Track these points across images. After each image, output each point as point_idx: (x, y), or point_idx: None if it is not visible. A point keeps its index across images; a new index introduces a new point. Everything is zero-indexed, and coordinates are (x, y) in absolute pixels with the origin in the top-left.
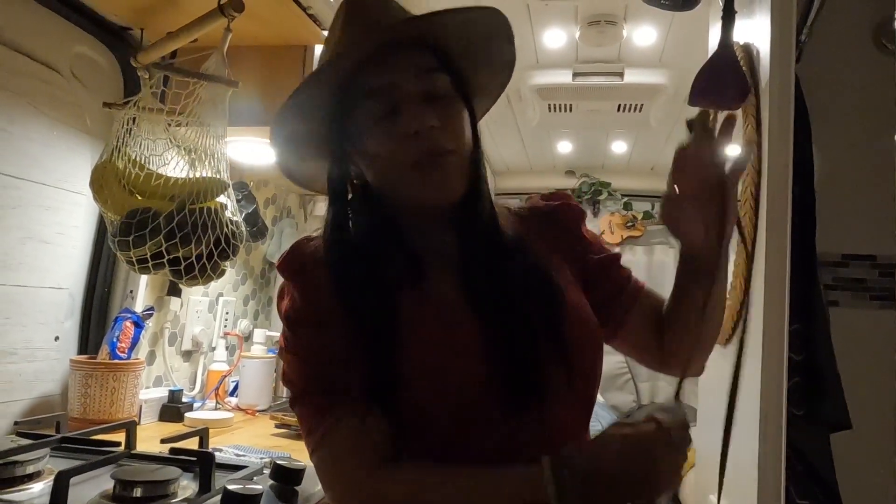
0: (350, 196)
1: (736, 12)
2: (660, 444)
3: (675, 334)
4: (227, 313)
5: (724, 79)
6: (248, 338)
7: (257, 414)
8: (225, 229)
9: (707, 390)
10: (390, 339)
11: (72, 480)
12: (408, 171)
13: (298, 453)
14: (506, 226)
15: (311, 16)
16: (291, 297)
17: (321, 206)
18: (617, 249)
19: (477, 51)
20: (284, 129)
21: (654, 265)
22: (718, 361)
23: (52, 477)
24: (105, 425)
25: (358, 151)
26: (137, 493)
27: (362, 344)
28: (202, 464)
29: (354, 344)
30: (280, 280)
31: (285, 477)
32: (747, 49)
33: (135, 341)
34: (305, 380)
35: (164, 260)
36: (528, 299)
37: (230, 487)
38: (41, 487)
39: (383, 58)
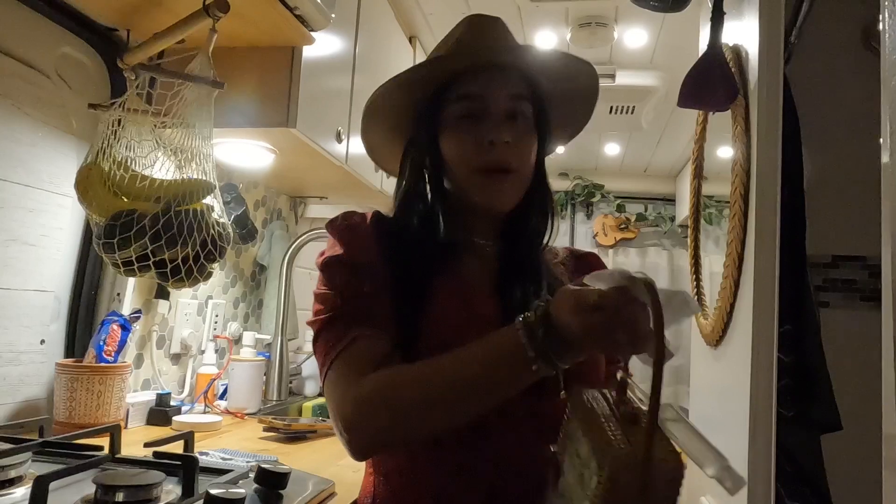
0: (421, 179)
1: (725, 14)
2: (602, 309)
3: None
4: (216, 316)
5: (713, 81)
6: (237, 341)
7: (246, 417)
8: (211, 231)
9: (698, 392)
10: (420, 304)
11: (53, 485)
12: (473, 173)
13: (285, 457)
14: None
15: (298, 17)
16: (332, 247)
17: (312, 209)
18: None
19: (564, 101)
20: (383, 103)
21: (646, 267)
22: (709, 363)
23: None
24: (89, 429)
25: (439, 141)
26: (119, 497)
27: (394, 303)
28: (185, 468)
29: (386, 300)
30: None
31: (270, 481)
32: (736, 50)
33: (122, 344)
34: (333, 307)
35: (150, 262)
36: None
37: (212, 492)
38: (23, 492)
39: (486, 72)
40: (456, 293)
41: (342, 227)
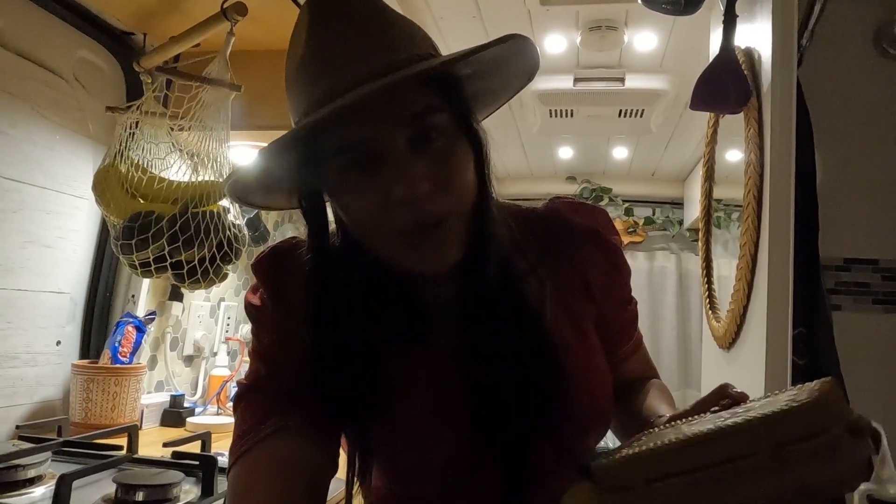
0: (334, 233)
1: (737, 16)
2: None
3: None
4: (228, 318)
5: (726, 83)
6: (249, 343)
7: None
8: (227, 233)
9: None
10: (368, 405)
11: (74, 484)
12: (395, 238)
13: None
14: (514, 243)
15: None
16: (255, 290)
17: None
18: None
19: (491, 75)
20: (243, 182)
21: (654, 270)
22: (722, 365)
23: (54, 481)
24: (107, 429)
25: (334, 205)
26: (139, 496)
27: (336, 406)
28: (205, 467)
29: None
30: None
31: None
32: (749, 53)
33: (136, 346)
34: (256, 375)
35: (167, 263)
36: (534, 374)
37: None
38: (43, 491)
39: (363, 107)
40: (415, 384)
41: (268, 269)
